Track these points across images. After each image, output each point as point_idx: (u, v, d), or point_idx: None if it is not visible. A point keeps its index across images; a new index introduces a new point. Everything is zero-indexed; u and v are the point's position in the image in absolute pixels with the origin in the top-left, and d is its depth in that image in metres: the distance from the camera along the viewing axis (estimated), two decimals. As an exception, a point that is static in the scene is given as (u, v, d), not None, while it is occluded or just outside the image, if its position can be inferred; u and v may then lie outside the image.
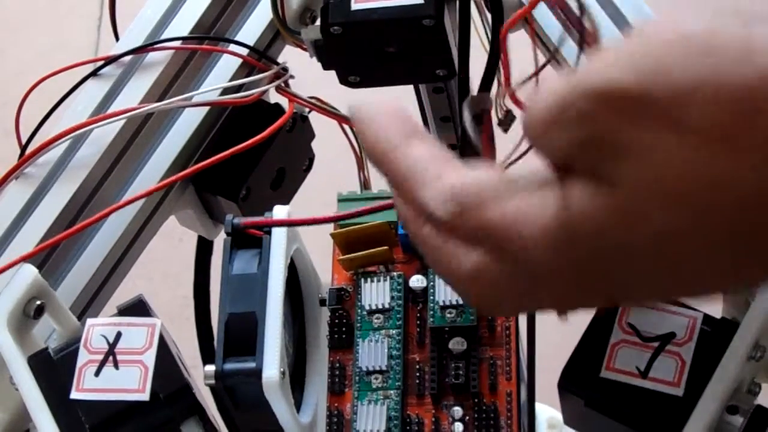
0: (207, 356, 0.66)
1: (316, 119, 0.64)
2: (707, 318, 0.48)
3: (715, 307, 0.52)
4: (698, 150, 0.30)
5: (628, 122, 0.31)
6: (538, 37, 0.56)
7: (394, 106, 0.37)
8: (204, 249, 0.68)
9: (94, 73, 0.60)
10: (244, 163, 0.60)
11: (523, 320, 0.53)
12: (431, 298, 0.52)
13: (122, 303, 0.51)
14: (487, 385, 0.50)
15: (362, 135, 0.37)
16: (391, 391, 0.50)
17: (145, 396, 0.49)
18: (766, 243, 0.31)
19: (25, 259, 0.53)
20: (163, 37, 0.61)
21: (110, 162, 0.59)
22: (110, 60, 0.60)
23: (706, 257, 0.31)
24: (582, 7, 0.45)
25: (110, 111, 0.59)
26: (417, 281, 0.52)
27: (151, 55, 0.60)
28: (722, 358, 0.47)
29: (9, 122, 0.61)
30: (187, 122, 0.61)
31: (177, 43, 0.61)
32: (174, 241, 0.81)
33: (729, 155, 0.30)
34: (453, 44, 0.56)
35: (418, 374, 0.51)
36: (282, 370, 0.49)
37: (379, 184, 0.53)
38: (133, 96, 0.59)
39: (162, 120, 0.61)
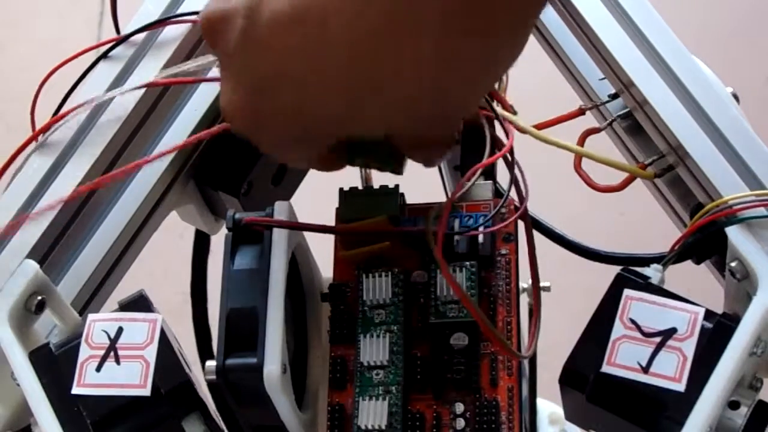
0: (204, 353, 0.66)
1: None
2: (709, 313, 0.48)
3: (716, 303, 0.52)
4: None
5: None
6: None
7: None
8: (201, 246, 0.68)
9: (104, 55, 0.59)
10: (246, 157, 0.60)
11: (524, 317, 0.53)
12: (432, 293, 0.52)
13: (123, 298, 0.51)
14: (488, 381, 0.50)
15: None
16: (393, 386, 0.50)
17: (146, 391, 0.49)
18: None
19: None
20: (179, 12, 0.60)
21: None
22: (122, 39, 0.59)
23: None
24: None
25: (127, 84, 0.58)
26: (418, 276, 0.52)
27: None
28: (724, 353, 0.47)
29: (12, 117, 0.61)
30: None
31: (195, 17, 0.60)
32: (175, 237, 0.81)
33: None
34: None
35: (419, 369, 0.51)
36: (283, 365, 0.49)
37: (380, 179, 0.53)
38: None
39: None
